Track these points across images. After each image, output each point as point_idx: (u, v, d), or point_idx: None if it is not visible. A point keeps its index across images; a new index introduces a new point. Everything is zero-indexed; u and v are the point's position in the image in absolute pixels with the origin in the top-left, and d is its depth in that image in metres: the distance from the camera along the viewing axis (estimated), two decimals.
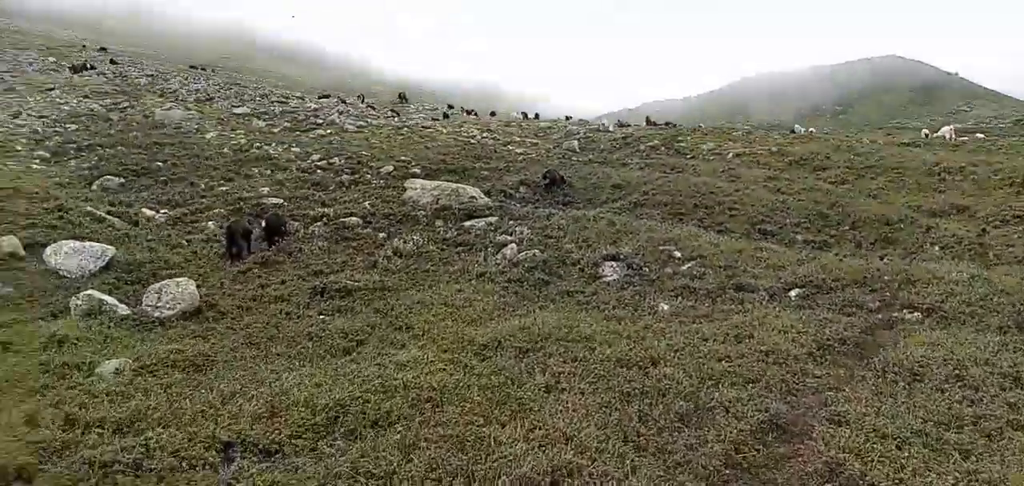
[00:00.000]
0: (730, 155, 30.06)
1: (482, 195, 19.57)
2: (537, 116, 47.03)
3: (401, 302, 11.35)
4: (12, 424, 5.79)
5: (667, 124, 42.47)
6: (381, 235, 16.15)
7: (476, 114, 46.72)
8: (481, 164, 25.15)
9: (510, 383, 7.37)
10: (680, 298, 11.82)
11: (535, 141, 32.60)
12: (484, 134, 32.64)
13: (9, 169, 20.12)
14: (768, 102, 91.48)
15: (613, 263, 13.50)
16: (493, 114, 46.56)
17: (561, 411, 6.69)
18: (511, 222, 17.11)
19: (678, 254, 14.20)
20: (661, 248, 14.51)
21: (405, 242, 15.25)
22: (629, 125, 41.90)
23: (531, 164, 26.27)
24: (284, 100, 37.04)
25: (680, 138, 33.73)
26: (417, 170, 22.42)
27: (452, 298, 11.53)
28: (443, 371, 7.59)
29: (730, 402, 7.16)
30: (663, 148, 31.87)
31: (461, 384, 7.18)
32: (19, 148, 22.88)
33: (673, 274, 13.09)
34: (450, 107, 50.17)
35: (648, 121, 44.31)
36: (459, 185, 19.67)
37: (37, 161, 21.78)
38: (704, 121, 47.49)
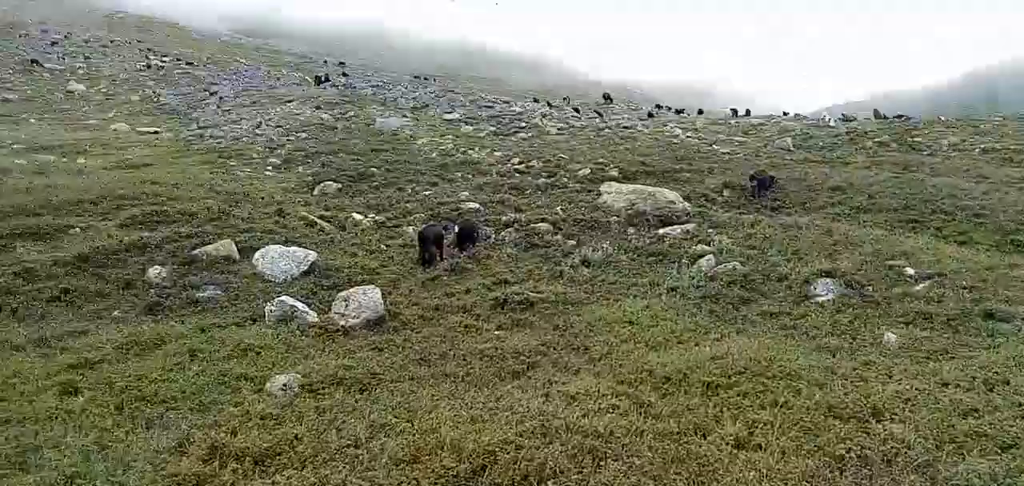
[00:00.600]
0: (977, 151, 25.86)
1: (680, 199, 18.28)
2: (748, 112, 44.08)
3: (582, 318, 10.62)
4: (160, 449, 5.90)
5: (899, 117, 37.71)
6: (570, 243, 15.55)
7: (685, 113, 44.83)
8: (683, 166, 23.73)
9: (692, 432, 6.33)
10: (912, 326, 9.91)
11: (743, 139, 30.35)
12: (688, 133, 30.99)
13: (244, 175, 22.28)
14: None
15: (828, 280, 11.74)
16: (701, 112, 44.35)
17: (753, 478, 5.55)
18: (710, 230, 15.72)
19: (910, 271, 12.08)
20: (888, 263, 12.44)
21: (594, 251, 14.50)
22: (854, 118, 37.78)
23: (738, 165, 24.35)
24: (491, 105, 37.94)
25: (915, 132, 29.68)
26: (614, 173, 21.59)
27: (638, 316, 10.59)
28: (615, 410, 6.73)
29: (980, 478, 5.58)
30: (894, 144, 28.20)
31: (632, 430, 6.26)
32: (255, 156, 25.37)
33: (903, 295, 11.09)
34: (657, 106, 48.63)
35: (876, 114, 39.69)
36: (656, 188, 18.55)
37: (269, 168, 23.97)
38: (944, 112, 41.62)
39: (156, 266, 12.26)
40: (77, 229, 13.99)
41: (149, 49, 52.68)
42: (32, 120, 31.76)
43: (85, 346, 8.57)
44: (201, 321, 9.93)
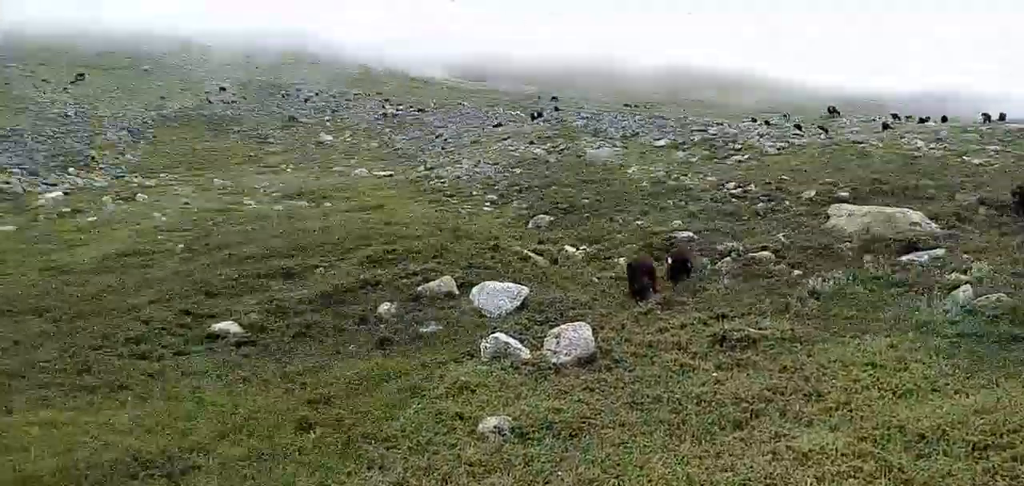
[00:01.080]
0: None
1: (926, 220, 16.22)
2: (1002, 117, 38.37)
3: (814, 359, 9.65)
4: None
5: None
6: (796, 272, 14.36)
7: (930, 120, 40.14)
8: (926, 182, 21.12)
9: None
10: None
11: (999, 149, 26.42)
12: (931, 144, 27.62)
13: (464, 212, 23.47)
14: None
15: None
16: (945, 120, 39.41)
17: None
18: (965, 256, 13.73)
19: None
20: None
21: (824, 281, 13.24)
22: None
23: (996, 178, 21.19)
24: (703, 129, 36.70)
25: None
26: (844, 193, 19.73)
27: (880, 356, 9.40)
28: (858, 474, 5.91)
29: None
30: None
31: None
32: (474, 193, 26.66)
33: None
34: (894, 116, 44.07)
35: None
36: (896, 209, 16.64)
37: (487, 204, 25.05)
38: None
39: (386, 302, 13.19)
40: (321, 268, 15.48)
41: (386, 100, 57.77)
42: (289, 169, 36.06)
43: (322, 382, 9.38)
44: (423, 356, 10.45)
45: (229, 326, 11.84)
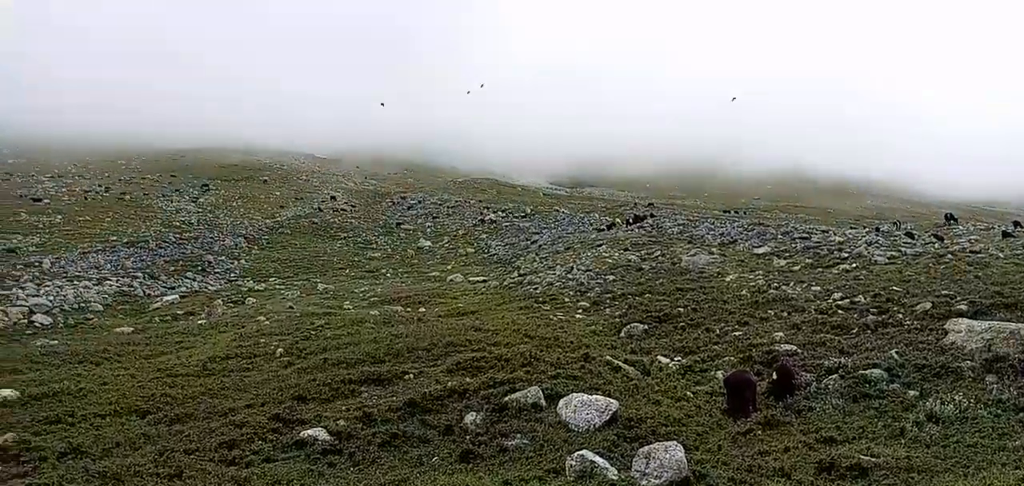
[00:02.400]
0: None
1: None
2: None
3: None
4: None
5: None
6: (911, 393, 13.25)
7: None
8: None
9: None
10: None
11: None
12: None
13: (556, 319, 23.25)
14: None
15: None
16: None
17: None
18: None
19: None
20: None
21: (943, 403, 12.15)
22: None
23: None
24: (806, 236, 35.36)
25: None
26: (962, 307, 18.27)
27: None
28: None
29: None
30: None
31: None
32: (566, 299, 26.47)
33: None
34: (1016, 224, 41.16)
35: None
36: (1020, 324, 15.23)
37: (579, 311, 24.77)
38: None
39: (472, 412, 13.03)
40: (410, 374, 15.58)
41: (485, 206, 59.24)
42: (388, 274, 37.15)
43: None
44: (507, 473, 10.16)
45: (317, 433, 11.96)
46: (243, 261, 39.26)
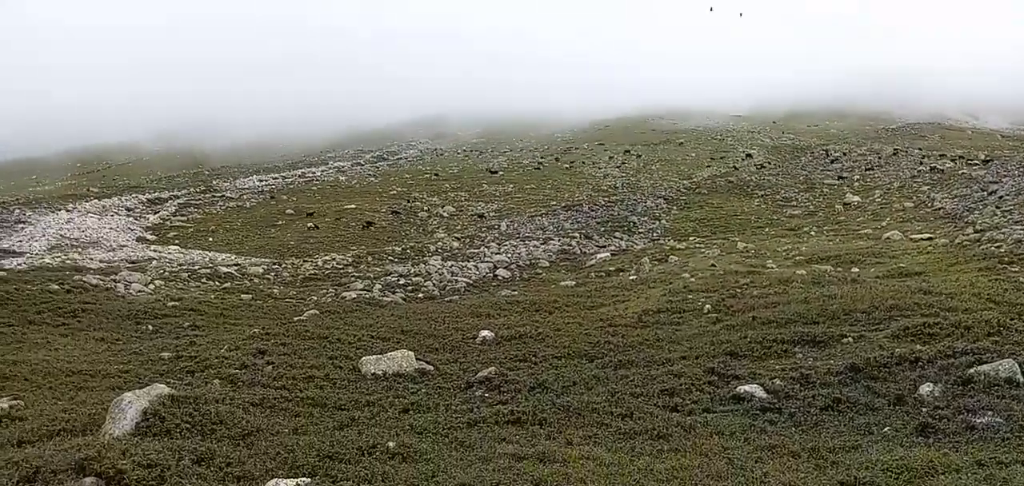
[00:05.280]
0: None
1: None
2: None
3: None
4: None
5: None
6: None
7: None
8: None
9: None
10: None
11: None
12: None
13: None
14: None
15: None
16: None
17: None
18: None
19: None
20: None
21: None
22: None
23: None
24: None
25: None
26: None
27: None
28: None
29: None
30: None
31: None
32: None
33: None
34: None
35: None
36: None
37: None
38: None
39: (928, 383, 11.68)
40: (849, 338, 14.59)
41: (924, 154, 52.23)
42: (812, 232, 35.16)
43: (855, 463, 8.74)
44: (978, 453, 8.91)
45: (754, 389, 11.98)
46: (664, 221, 40.97)
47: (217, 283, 28.29)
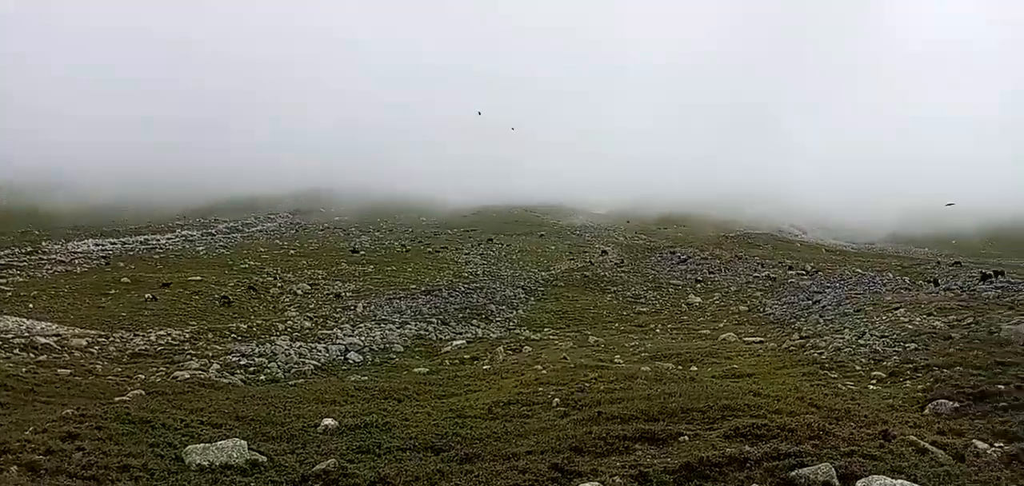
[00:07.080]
0: None
1: None
2: None
3: None
4: None
5: None
6: None
7: None
8: None
9: None
10: None
11: None
12: None
13: (845, 389, 21.19)
14: None
15: None
16: None
17: None
18: None
19: None
20: None
21: None
22: None
23: None
24: None
25: None
26: None
27: None
28: None
29: None
30: None
31: None
32: (857, 368, 24.02)
33: None
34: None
35: None
36: None
37: (873, 382, 22.32)
38: None
39: (754, 484, 12.31)
40: (685, 437, 15.18)
41: (760, 262, 56.64)
42: (657, 329, 36.86)
43: None
44: None
45: None
46: (521, 311, 41.61)
47: (31, 355, 25.45)
